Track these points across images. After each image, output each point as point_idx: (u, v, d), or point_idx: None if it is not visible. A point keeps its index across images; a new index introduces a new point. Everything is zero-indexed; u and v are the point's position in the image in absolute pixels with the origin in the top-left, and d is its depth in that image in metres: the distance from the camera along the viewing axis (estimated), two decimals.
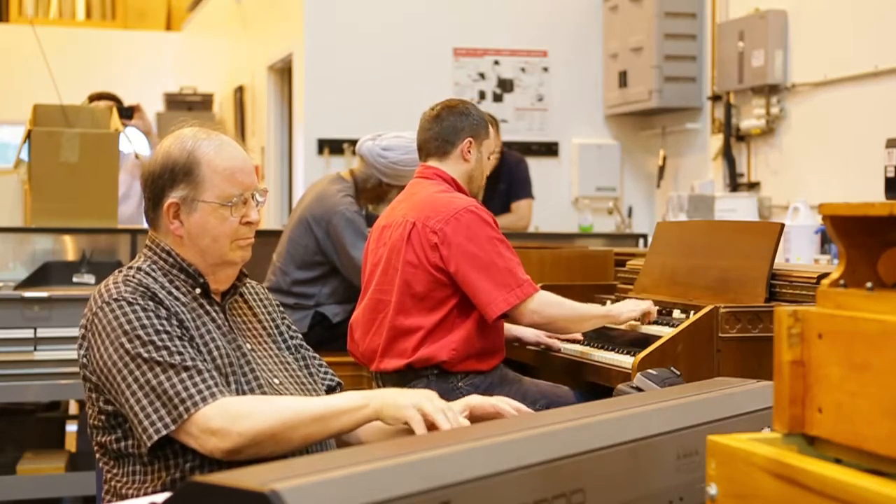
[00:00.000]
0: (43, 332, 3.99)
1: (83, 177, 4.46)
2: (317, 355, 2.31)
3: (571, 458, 1.28)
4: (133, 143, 5.49)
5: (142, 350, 1.91)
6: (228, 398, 1.90)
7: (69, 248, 4.76)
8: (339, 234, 4.06)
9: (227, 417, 1.86)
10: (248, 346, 2.11)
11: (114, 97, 5.66)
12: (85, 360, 2.01)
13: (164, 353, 1.91)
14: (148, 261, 2.09)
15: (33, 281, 4.31)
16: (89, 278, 4.43)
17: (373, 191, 4.22)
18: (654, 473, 1.41)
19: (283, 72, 7.67)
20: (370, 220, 4.19)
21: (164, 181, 2.07)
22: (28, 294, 4.02)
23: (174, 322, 1.97)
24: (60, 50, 8.44)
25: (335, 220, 4.07)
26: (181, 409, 1.87)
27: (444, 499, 1.12)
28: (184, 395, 1.88)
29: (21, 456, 4.31)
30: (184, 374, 1.90)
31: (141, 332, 1.93)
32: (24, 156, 4.55)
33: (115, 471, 2.00)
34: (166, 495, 1.27)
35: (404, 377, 3.17)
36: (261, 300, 2.25)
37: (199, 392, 1.88)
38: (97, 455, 2.06)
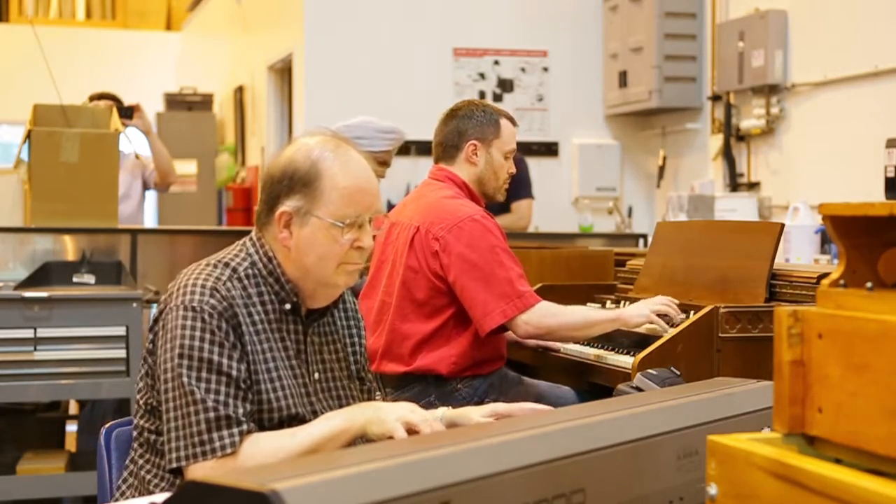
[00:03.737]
0: (43, 332, 3.99)
1: (83, 177, 4.46)
2: (372, 380, 2.26)
3: (571, 458, 1.28)
4: (133, 143, 5.49)
5: (185, 372, 1.89)
6: (226, 459, 1.86)
7: (69, 248, 4.76)
8: None
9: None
10: (315, 376, 2.07)
11: (114, 97, 5.66)
12: (151, 345, 1.99)
13: (203, 385, 1.88)
14: (248, 260, 2.02)
15: (33, 281, 4.31)
16: (89, 278, 4.43)
17: None
18: (654, 473, 1.41)
19: (283, 72, 7.67)
20: None
21: (281, 187, 1.98)
22: (28, 294, 4.02)
23: (236, 355, 1.92)
24: (60, 50, 8.43)
25: None
26: (198, 449, 1.87)
27: (444, 499, 1.12)
28: (205, 437, 1.87)
29: (21, 456, 4.31)
30: (211, 415, 1.87)
31: (195, 354, 1.89)
32: (24, 156, 4.55)
33: (146, 456, 2.01)
34: (166, 495, 1.27)
35: (404, 380, 3.17)
36: (347, 313, 2.19)
37: (219, 439, 1.87)
38: (134, 430, 2.04)
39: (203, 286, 1.94)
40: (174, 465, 1.88)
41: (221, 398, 1.89)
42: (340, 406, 2.08)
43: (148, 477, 1.99)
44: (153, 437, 1.99)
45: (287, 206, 1.98)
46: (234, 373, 1.91)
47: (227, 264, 2.00)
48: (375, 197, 2.01)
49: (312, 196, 1.96)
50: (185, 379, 1.88)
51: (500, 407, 2.05)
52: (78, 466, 4.27)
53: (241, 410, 1.90)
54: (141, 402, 2.02)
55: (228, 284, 1.96)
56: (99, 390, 4.02)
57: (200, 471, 1.86)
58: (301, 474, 1.07)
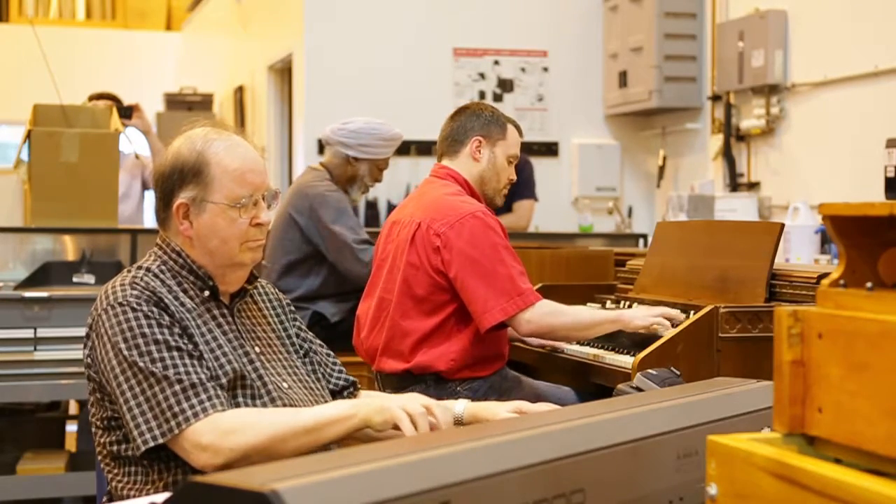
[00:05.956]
0: (43, 332, 3.99)
1: (83, 177, 4.46)
2: (331, 353, 2.31)
3: (571, 458, 1.28)
4: (133, 143, 5.50)
5: (138, 359, 1.91)
6: (220, 414, 1.89)
7: (69, 248, 4.76)
8: (318, 212, 4.13)
9: (217, 433, 1.86)
10: (256, 350, 2.10)
11: (114, 97, 5.66)
12: (89, 359, 2.01)
13: (159, 364, 1.90)
14: (157, 261, 2.08)
15: (33, 281, 4.31)
16: (89, 278, 4.43)
17: (342, 169, 4.25)
18: (654, 473, 1.41)
19: (283, 72, 7.67)
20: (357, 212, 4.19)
21: (173, 181, 2.05)
22: (28, 294, 4.02)
23: (176, 330, 1.96)
24: (60, 50, 8.42)
25: (314, 202, 4.15)
26: (172, 423, 1.87)
27: (444, 499, 1.12)
28: (176, 409, 1.87)
29: (21, 456, 4.31)
30: (176, 388, 1.89)
31: (140, 341, 1.92)
32: (24, 156, 4.55)
33: (115, 471, 2.00)
34: (166, 495, 1.26)
35: (403, 381, 3.17)
36: (270, 301, 2.24)
37: (192, 407, 1.88)
38: (99, 455, 2.05)
39: (122, 285, 2.00)
40: (150, 444, 1.87)
41: (182, 370, 1.91)
42: (289, 375, 2.12)
43: (119, 486, 1.99)
44: (116, 447, 1.99)
45: (182, 197, 2.04)
46: (183, 345, 1.94)
47: (139, 267, 2.07)
48: (264, 175, 2.09)
49: (205, 184, 2.03)
50: (141, 364, 1.90)
51: (525, 405, 2.08)
52: (78, 466, 4.27)
53: (203, 376, 1.92)
54: (97, 421, 2.02)
55: (146, 279, 2.01)
56: None
57: (189, 437, 1.86)
58: (301, 474, 1.07)
